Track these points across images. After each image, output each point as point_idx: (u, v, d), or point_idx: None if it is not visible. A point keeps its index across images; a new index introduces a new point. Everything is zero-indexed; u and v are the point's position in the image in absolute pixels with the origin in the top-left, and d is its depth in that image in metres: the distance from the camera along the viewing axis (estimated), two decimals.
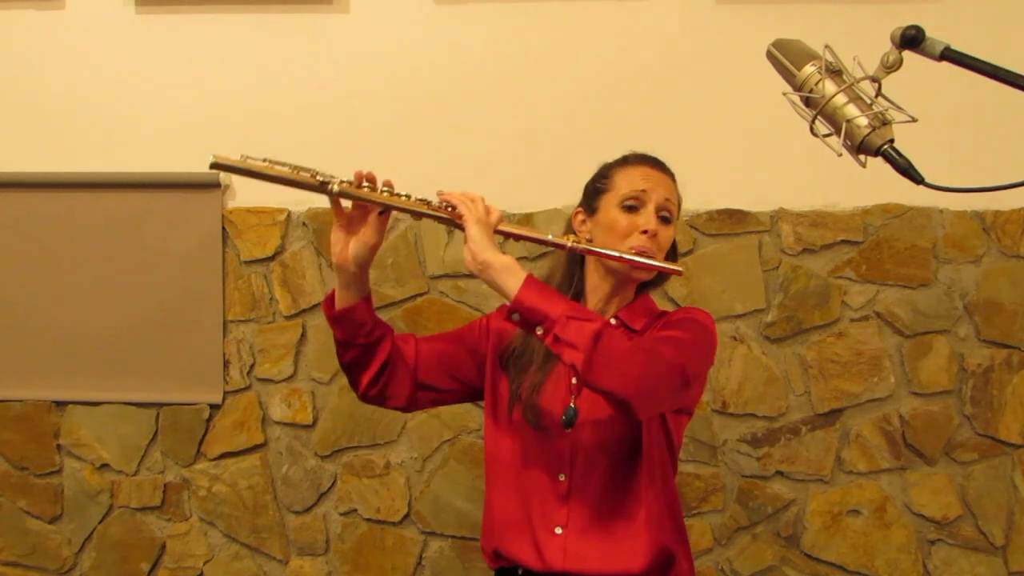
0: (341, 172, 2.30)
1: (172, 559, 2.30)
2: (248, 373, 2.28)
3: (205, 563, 2.29)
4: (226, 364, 2.27)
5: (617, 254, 1.38)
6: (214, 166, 1.28)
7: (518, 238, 1.40)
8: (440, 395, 1.51)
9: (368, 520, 2.25)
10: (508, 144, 2.22)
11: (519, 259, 2.16)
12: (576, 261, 1.48)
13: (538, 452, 1.41)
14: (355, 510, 2.25)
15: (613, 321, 1.45)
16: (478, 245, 1.32)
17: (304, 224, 2.26)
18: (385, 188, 1.37)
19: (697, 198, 2.16)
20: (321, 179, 1.34)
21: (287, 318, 2.27)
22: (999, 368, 2.14)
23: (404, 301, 2.24)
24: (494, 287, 1.31)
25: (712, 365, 1.46)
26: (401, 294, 2.24)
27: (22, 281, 2.30)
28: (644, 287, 1.50)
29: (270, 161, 1.33)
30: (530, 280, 1.28)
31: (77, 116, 2.29)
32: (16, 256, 2.30)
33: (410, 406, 1.49)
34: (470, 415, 2.21)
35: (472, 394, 1.52)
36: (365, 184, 1.36)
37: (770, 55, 1.15)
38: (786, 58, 1.12)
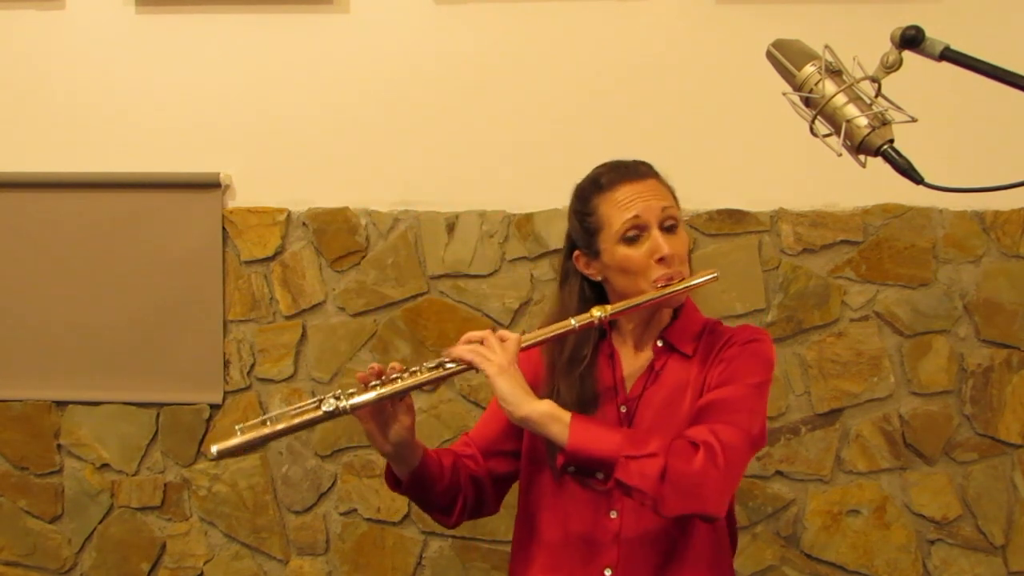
0: (340, 172, 2.31)
1: (172, 559, 2.30)
2: (248, 373, 2.28)
3: (205, 563, 2.29)
4: (226, 364, 2.27)
5: (648, 299, 1.29)
6: (219, 455, 1.24)
7: (544, 343, 1.32)
8: (513, 472, 1.46)
9: (368, 520, 2.25)
10: (508, 144, 2.22)
11: (518, 260, 2.19)
12: (589, 298, 1.38)
13: (587, 492, 1.34)
14: (355, 510, 2.25)
15: (660, 343, 1.38)
16: (511, 403, 1.22)
17: (304, 224, 2.26)
18: (395, 374, 1.28)
19: (697, 198, 2.17)
20: (327, 409, 1.24)
21: (287, 318, 2.27)
22: (999, 368, 2.14)
23: (404, 301, 2.24)
24: (541, 435, 1.25)
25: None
26: (401, 294, 2.24)
27: (22, 281, 2.30)
28: None
29: (270, 420, 1.25)
30: (575, 424, 1.20)
31: (77, 116, 2.29)
32: (16, 256, 2.30)
33: (499, 506, 1.47)
34: (470, 415, 2.21)
35: None
36: (374, 383, 1.27)
37: (770, 55, 1.15)
38: (786, 58, 1.12)
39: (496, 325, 2.21)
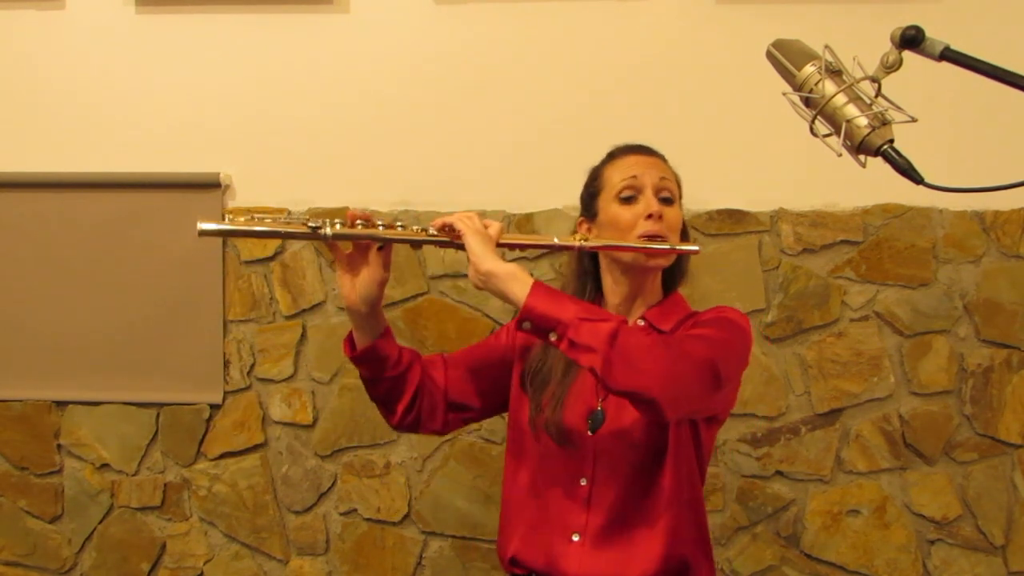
0: (340, 172, 2.32)
1: (172, 559, 2.30)
2: (248, 373, 2.28)
3: (205, 563, 2.29)
4: (226, 364, 2.27)
5: (626, 245, 1.35)
6: (202, 234, 1.27)
7: (523, 247, 1.38)
8: (472, 414, 1.49)
9: (368, 520, 2.25)
10: (508, 144, 2.22)
11: (518, 260, 2.19)
12: (588, 269, 1.45)
13: (561, 458, 1.38)
14: (355, 510, 2.25)
15: (641, 323, 1.41)
16: (478, 256, 1.27)
17: None
18: (380, 223, 1.34)
19: (697, 198, 2.16)
20: (312, 225, 1.31)
21: (287, 318, 2.27)
22: (999, 368, 2.14)
23: (404, 301, 2.24)
24: (501, 297, 1.27)
25: (746, 367, 1.37)
26: (401, 294, 2.24)
27: (22, 281, 2.30)
28: (671, 284, 1.46)
29: (256, 216, 1.31)
30: (537, 286, 1.23)
31: (77, 116, 2.30)
32: (16, 256, 2.30)
33: (444, 429, 1.48)
34: None
35: (503, 407, 1.50)
36: (359, 223, 1.33)
37: (770, 55, 1.15)
38: (786, 58, 1.12)
39: (497, 325, 2.21)
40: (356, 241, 1.34)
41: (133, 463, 2.30)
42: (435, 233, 1.33)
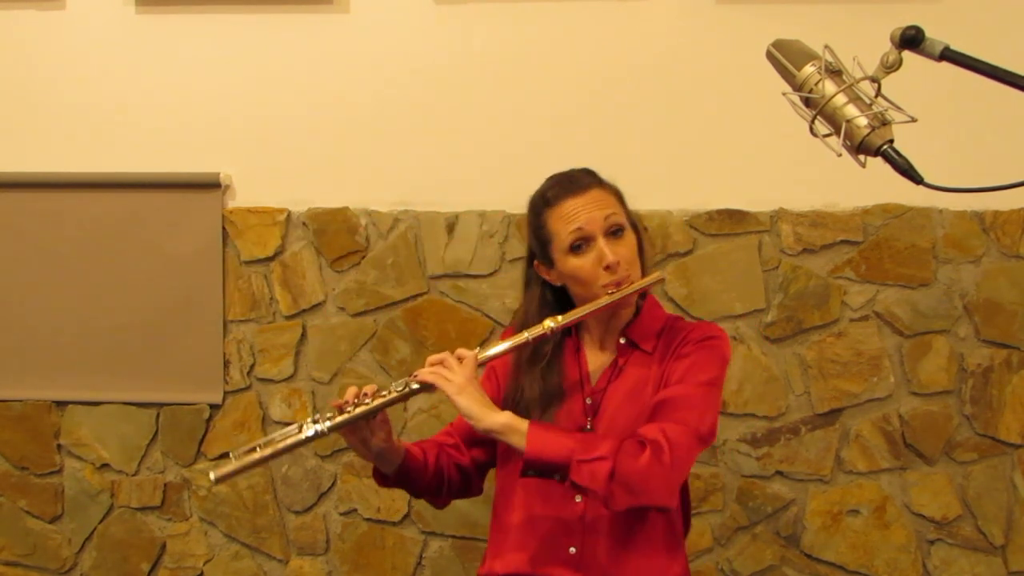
0: (340, 172, 2.31)
1: (172, 559, 2.30)
2: (248, 373, 2.28)
3: (205, 563, 2.29)
4: (226, 364, 2.27)
5: (596, 307, 1.40)
6: (218, 481, 1.38)
7: (501, 356, 1.43)
8: (493, 457, 1.58)
9: (368, 520, 2.25)
10: (508, 144, 2.22)
11: (518, 260, 2.19)
12: (549, 301, 1.50)
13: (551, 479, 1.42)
14: (355, 510, 2.25)
15: (622, 341, 1.48)
16: (473, 418, 1.35)
17: (304, 224, 2.26)
18: (366, 396, 1.40)
19: (697, 198, 2.18)
20: (308, 435, 1.39)
21: (287, 318, 2.27)
22: (999, 368, 2.14)
23: (404, 301, 2.24)
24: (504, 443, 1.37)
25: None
26: (401, 294, 2.24)
27: (22, 281, 2.30)
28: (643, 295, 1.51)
29: (259, 447, 1.39)
30: (532, 434, 1.32)
31: (77, 116, 2.29)
32: (16, 256, 2.30)
33: (483, 487, 1.61)
34: None
35: None
36: (349, 407, 1.40)
37: (770, 55, 1.15)
38: (786, 58, 1.12)
39: (497, 325, 2.21)
40: (354, 423, 1.41)
41: (133, 463, 2.30)
42: (415, 387, 1.40)
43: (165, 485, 2.30)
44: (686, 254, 2.17)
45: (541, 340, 1.41)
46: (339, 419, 1.39)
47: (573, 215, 1.42)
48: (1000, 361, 2.14)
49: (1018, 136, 2.09)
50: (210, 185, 2.25)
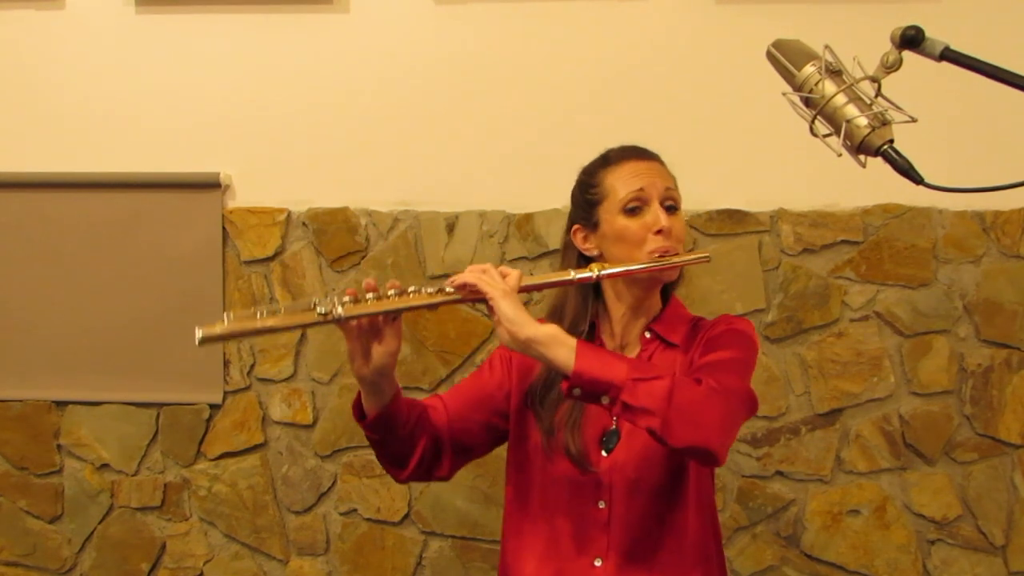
0: (340, 172, 2.31)
1: (172, 559, 2.30)
2: (248, 373, 2.28)
3: (205, 563, 2.29)
4: (226, 364, 2.27)
5: (642, 266, 1.31)
6: (203, 341, 1.17)
7: (543, 288, 1.33)
8: (476, 452, 1.44)
9: (368, 520, 2.25)
10: (508, 144, 2.22)
11: (518, 259, 2.19)
12: (587, 284, 1.38)
13: (575, 483, 1.33)
14: (355, 510, 2.25)
15: (647, 335, 1.39)
16: (515, 323, 1.20)
17: (304, 224, 2.26)
18: (391, 290, 1.25)
19: (697, 198, 2.17)
20: (322, 310, 1.20)
21: None
22: (999, 368, 2.14)
23: None
24: (541, 360, 1.22)
25: None
26: None
27: (22, 281, 2.30)
28: (668, 290, 1.44)
29: (260, 312, 1.20)
30: (582, 348, 1.19)
31: (77, 116, 2.30)
32: (16, 256, 2.30)
33: (450, 474, 1.41)
34: None
35: (503, 438, 1.45)
36: (369, 296, 1.24)
37: (770, 55, 1.14)
38: (786, 58, 1.12)
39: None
40: (370, 316, 1.25)
41: (133, 463, 2.30)
42: (452, 291, 1.26)
43: (165, 485, 2.30)
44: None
45: (582, 282, 1.31)
46: (358, 308, 1.21)
47: (635, 175, 1.34)
48: (1000, 361, 2.14)
49: (1018, 136, 2.09)
50: (210, 185, 2.25)
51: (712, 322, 1.40)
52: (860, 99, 1.05)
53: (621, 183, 1.35)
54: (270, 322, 1.20)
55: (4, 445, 2.33)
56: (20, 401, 2.32)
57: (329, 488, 2.26)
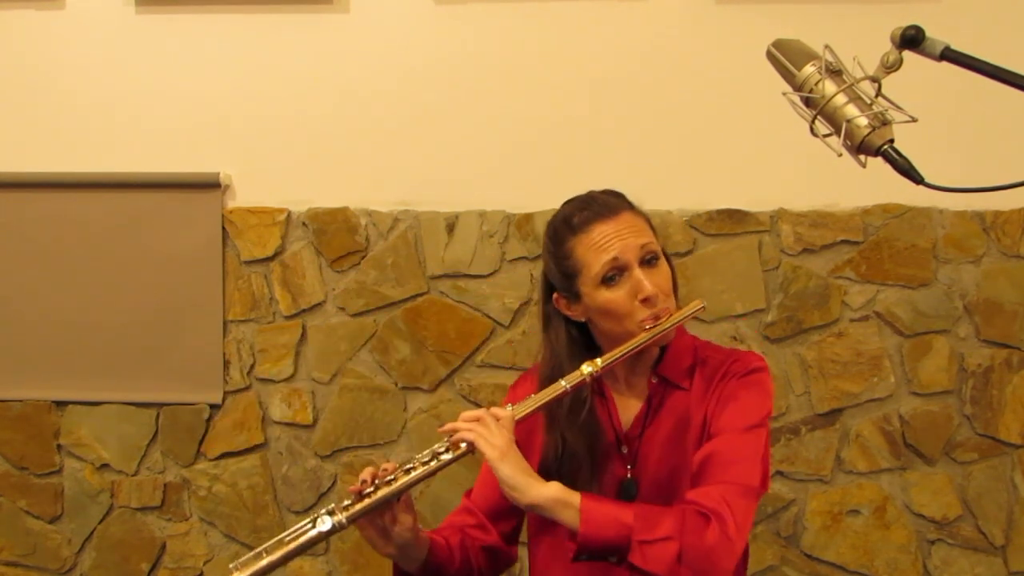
0: (340, 172, 2.31)
1: (172, 559, 2.30)
2: (248, 373, 2.28)
3: (205, 563, 2.29)
4: (226, 364, 2.27)
5: (638, 343, 1.26)
6: None
7: (537, 411, 1.27)
8: (521, 521, 1.46)
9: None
10: (508, 144, 2.22)
11: (518, 260, 2.19)
12: (576, 339, 1.35)
13: None
14: None
15: (655, 380, 1.35)
16: (516, 489, 1.19)
17: (304, 224, 2.26)
18: (388, 474, 1.23)
19: (697, 198, 2.17)
20: (324, 529, 1.20)
21: (287, 318, 2.27)
22: (999, 368, 2.14)
23: (404, 301, 2.24)
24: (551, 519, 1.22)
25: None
26: (401, 294, 2.23)
27: (22, 281, 2.30)
28: None
29: (265, 551, 1.21)
30: (586, 507, 1.17)
31: (77, 116, 2.29)
32: (16, 256, 2.30)
33: (516, 557, 1.45)
34: None
35: None
36: (369, 488, 1.23)
37: (770, 55, 1.14)
38: (786, 58, 1.11)
39: (496, 325, 2.21)
40: (376, 509, 1.23)
41: (133, 463, 2.30)
42: (447, 453, 1.23)
43: (165, 485, 2.29)
44: (686, 254, 2.17)
45: (577, 388, 1.26)
46: (359, 506, 1.20)
47: (606, 243, 1.26)
48: (1000, 361, 2.14)
49: (1018, 136, 2.09)
50: (210, 185, 2.25)
51: (726, 365, 1.33)
52: (860, 99, 1.05)
53: (593, 255, 1.27)
54: (277, 555, 1.20)
55: (4, 445, 2.33)
56: (20, 401, 2.32)
57: (329, 488, 2.26)
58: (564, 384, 1.25)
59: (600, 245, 1.27)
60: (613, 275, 1.27)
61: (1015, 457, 2.14)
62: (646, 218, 1.34)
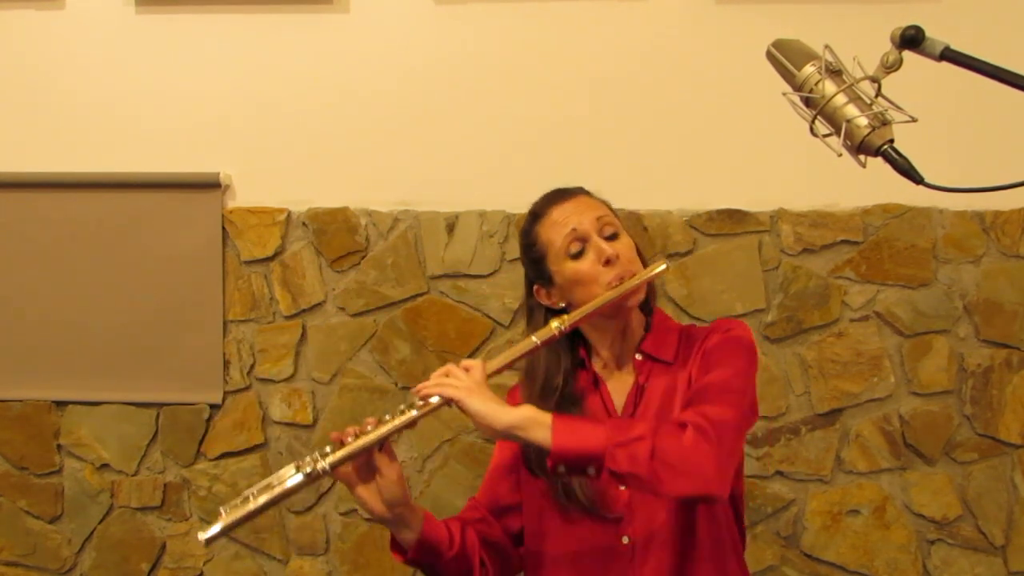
0: (340, 172, 2.31)
1: (172, 559, 2.30)
2: (248, 373, 2.28)
3: (205, 563, 2.29)
4: (226, 364, 2.27)
5: (602, 301, 1.30)
6: (208, 542, 1.26)
7: (509, 366, 1.31)
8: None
9: (368, 520, 2.25)
10: (508, 144, 2.22)
11: (518, 260, 2.18)
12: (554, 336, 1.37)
13: (594, 523, 1.34)
14: (355, 510, 2.25)
15: (639, 357, 1.39)
16: (488, 417, 1.21)
17: (304, 224, 2.26)
18: (369, 426, 1.25)
19: (697, 198, 2.17)
20: (307, 472, 1.22)
21: (287, 318, 2.27)
22: (999, 368, 2.14)
23: (404, 301, 2.24)
24: (525, 443, 1.24)
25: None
26: (401, 294, 2.24)
27: (22, 281, 2.30)
28: (646, 304, 1.43)
29: (252, 495, 1.25)
30: (558, 424, 1.19)
31: (77, 116, 2.29)
32: (16, 256, 2.30)
33: (520, 560, 1.44)
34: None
35: None
36: (349, 438, 1.25)
37: (770, 55, 1.14)
38: (786, 58, 1.11)
39: (496, 324, 2.21)
40: (356, 457, 1.25)
41: (133, 463, 2.30)
42: (423, 405, 1.25)
43: (165, 485, 2.30)
44: (686, 254, 2.17)
45: (554, 358, 1.35)
46: (340, 453, 1.23)
47: (564, 220, 1.35)
48: (1000, 361, 2.14)
49: (1018, 136, 2.09)
50: (210, 185, 2.25)
51: (707, 330, 1.39)
52: (860, 99, 1.05)
53: (555, 232, 1.36)
54: (263, 500, 1.24)
55: (4, 445, 2.33)
56: (20, 401, 2.32)
57: (329, 488, 2.26)
58: (534, 339, 1.30)
59: (559, 222, 1.36)
60: (577, 248, 1.34)
61: (1015, 457, 2.14)
62: (606, 202, 1.41)
